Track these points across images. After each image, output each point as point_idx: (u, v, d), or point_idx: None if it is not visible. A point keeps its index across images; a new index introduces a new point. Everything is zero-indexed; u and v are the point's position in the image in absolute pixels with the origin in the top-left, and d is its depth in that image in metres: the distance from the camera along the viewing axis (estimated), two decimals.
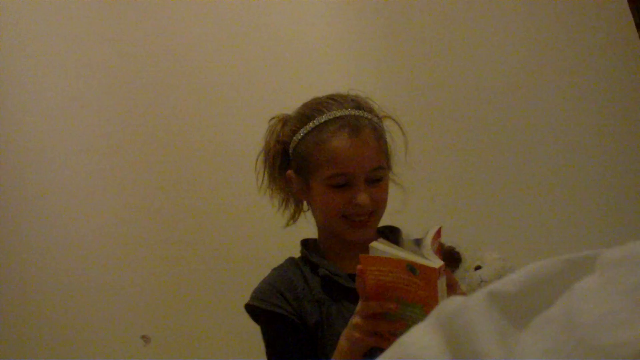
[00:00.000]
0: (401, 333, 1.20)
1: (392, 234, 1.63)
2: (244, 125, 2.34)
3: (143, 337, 2.35)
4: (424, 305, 1.20)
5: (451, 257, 1.36)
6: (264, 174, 1.64)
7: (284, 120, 1.63)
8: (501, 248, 2.10)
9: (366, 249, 1.55)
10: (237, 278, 2.27)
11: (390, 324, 1.25)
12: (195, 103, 2.43)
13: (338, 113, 1.52)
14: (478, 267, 1.91)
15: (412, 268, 1.18)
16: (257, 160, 1.66)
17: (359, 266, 1.25)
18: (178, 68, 2.44)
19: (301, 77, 2.41)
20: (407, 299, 1.21)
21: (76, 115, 2.40)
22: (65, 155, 2.38)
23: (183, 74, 2.44)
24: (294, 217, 1.66)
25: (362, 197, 1.48)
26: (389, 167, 1.59)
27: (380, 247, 1.25)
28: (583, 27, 2.50)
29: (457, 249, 1.45)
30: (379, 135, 1.55)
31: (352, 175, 1.48)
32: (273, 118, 1.66)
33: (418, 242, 1.36)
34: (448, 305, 0.61)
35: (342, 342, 1.33)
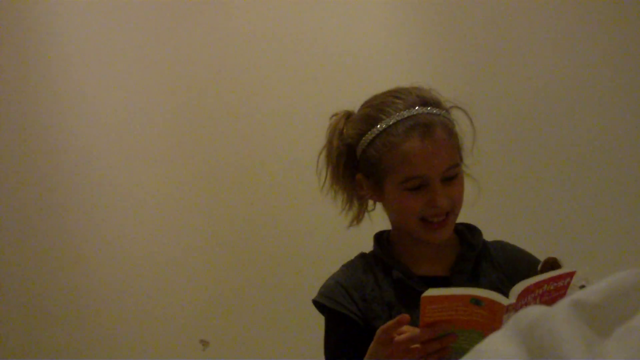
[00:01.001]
0: (451, 349, 1.22)
1: (470, 234, 1.58)
2: (303, 124, 2.37)
3: (202, 341, 2.39)
4: (484, 332, 1.18)
5: (551, 268, 1.32)
6: (326, 173, 1.59)
7: (346, 117, 1.59)
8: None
9: (441, 250, 1.54)
10: (298, 281, 2.30)
11: (439, 342, 1.24)
12: (254, 104, 2.46)
13: (406, 113, 1.47)
14: (582, 286, 1.87)
15: (476, 301, 1.17)
16: (319, 158, 1.61)
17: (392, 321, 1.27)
18: (236, 70, 2.47)
19: (358, 77, 2.42)
20: (466, 326, 1.21)
21: (134, 120, 2.45)
22: (127, 155, 2.43)
23: (241, 75, 2.47)
24: (357, 218, 1.60)
25: (441, 199, 1.44)
26: (462, 161, 1.53)
27: (436, 292, 1.24)
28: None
29: (559, 262, 1.41)
30: (450, 131, 1.50)
31: (427, 177, 1.44)
32: (334, 115, 1.61)
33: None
34: (528, 313, 0.62)
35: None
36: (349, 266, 1.58)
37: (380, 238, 1.60)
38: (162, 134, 2.46)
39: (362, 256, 1.59)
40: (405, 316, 1.27)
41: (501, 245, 1.61)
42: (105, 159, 2.44)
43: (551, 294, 1.25)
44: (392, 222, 1.58)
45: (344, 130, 1.57)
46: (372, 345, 1.33)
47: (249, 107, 2.47)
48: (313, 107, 2.38)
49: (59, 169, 2.44)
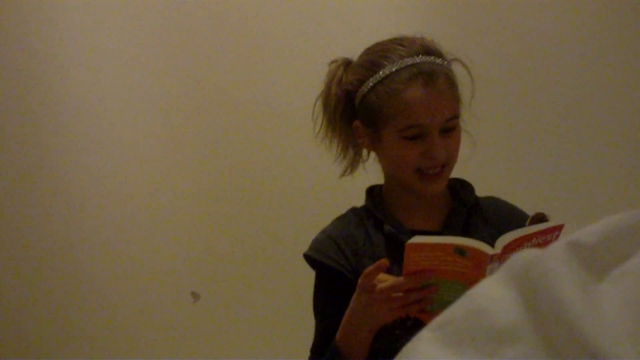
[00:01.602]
0: (433, 300, 1.21)
1: (462, 189, 1.58)
2: (296, 81, 2.35)
3: (192, 293, 2.39)
4: (467, 283, 1.18)
5: (539, 222, 1.31)
6: (322, 121, 1.57)
7: (346, 64, 1.56)
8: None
9: (433, 204, 1.53)
10: (288, 234, 2.29)
11: (419, 293, 1.24)
12: (249, 76, 2.44)
13: (409, 61, 1.45)
14: None
15: (460, 250, 1.17)
16: (315, 104, 1.58)
17: (370, 268, 1.27)
18: (231, 29, 2.44)
19: (354, 29, 2.39)
20: (448, 277, 1.20)
21: (136, 100, 2.44)
22: (115, 113, 2.42)
23: (235, 37, 2.44)
24: (351, 167, 1.59)
25: (438, 150, 1.43)
26: (460, 113, 1.52)
27: (421, 239, 1.23)
28: None
29: (547, 217, 1.39)
30: (452, 82, 1.49)
31: (427, 126, 1.43)
32: (333, 62, 1.58)
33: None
34: (521, 257, 0.61)
35: (359, 315, 1.34)
36: (341, 220, 1.57)
37: (372, 192, 1.59)
38: (153, 94, 2.45)
39: (353, 210, 1.58)
40: (384, 261, 1.27)
41: (493, 201, 1.61)
42: (94, 116, 2.43)
43: (540, 247, 1.25)
44: (386, 174, 1.57)
45: (343, 76, 1.55)
46: (355, 293, 1.33)
47: (243, 54, 2.44)
48: (309, 57, 2.36)
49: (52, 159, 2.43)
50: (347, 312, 1.36)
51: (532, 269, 0.56)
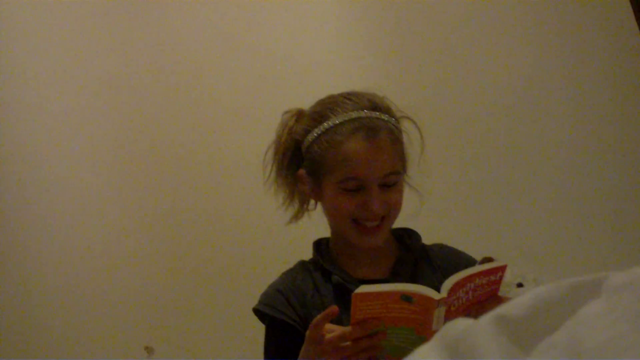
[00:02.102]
0: (383, 347, 1.20)
1: (409, 237, 1.59)
2: (247, 129, 2.35)
3: (146, 347, 2.35)
4: (416, 327, 1.18)
5: None
6: (271, 168, 1.59)
7: (298, 115, 1.58)
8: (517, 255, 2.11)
9: (379, 253, 1.53)
10: (242, 287, 2.27)
11: (369, 340, 1.22)
12: (198, 108, 2.44)
13: (354, 114, 1.47)
14: (520, 285, 1.85)
15: (407, 297, 1.16)
16: (266, 152, 1.60)
17: (320, 316, 1.25)
18: (180, 72, 2.45)
19: (307, 78, 2.41)
20: (396, 324, 1.20)
21: (79, 124, 2.41)
22: (68, 164, 2.39)
23: (185, 78, 2.45)
24: (297, 216, 1.60)
25: (375, 203, 1.43)
26: (404, 171, 1.54)
27: (368, 288, 1.22)
28: (586, 29, 2.50)
29: (494, 259, 1.40)
30: (396, 138, 1.50)
31: (365, 179, 1.44)
32: (287, 112, 1.60)
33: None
34: (454, 327, 0.61)
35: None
36: (288, 273, 1.58)
37: (319, 244, 1.60)
38: (103, 138, 2.43)
39: (301, 263, 1.59)
40: (333, 308, 1.25)
41: (440, 247, 1.62)
42: (45, 164, 2.40)
43: (483, 288, 1.25)
44: (330, 225, 1.58)
45: (294, 126, 1.56)
46: (304, 344, 1.32)
47: (196, 105, 2.44)
48: (256, 111, 2.37)
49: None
50: None
51: (461, 342, 0.56)
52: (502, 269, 1.27)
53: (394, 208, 1.49)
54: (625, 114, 2.45)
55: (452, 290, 1.20)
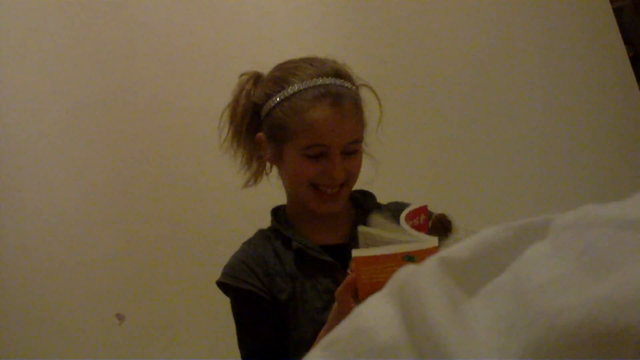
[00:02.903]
0: None
1: (364, 199, 1.60)
2: (209, 96, 2.32)
3: (117, 315, 2.34)
4: None
5: (440, 225, 1.31)
6: (228, 131, 1.58)
7: (256, 78, 1.57)
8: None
9: (337, 218, 1.53)
10: (211, 253, 2.26)
11: None
12: (159, 76, 2.41)
13: (318, 81, 1.47)
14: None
15: (410, 257, 1.16)
16: (221, 115, 1.60)
17: (349, 271, 1.21)
18: (144, 50, 2.42)
19: (267, 44, 2.38)
20: None
21: (44, 99, 2.38)
22: (35, 137, 2.36)
23: (147, 43, 2.41)
24: (255, 178, 1.60)
25: (337, 170, 1.44)
26: (362, 138, 1.54)
27: (368, 230, 1.21)
28: (563, 17, 2.49)
29: (449, 218, 1.40)
30: (358, 107, 1.51)
31: (329, 146, 1.44)
32: (243, 74, 1.60)
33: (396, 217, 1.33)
34: (401, 272, 0.60)
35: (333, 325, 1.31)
36: (249, 243, 1.58)
37: (277, 212, 1.61)
38: (65, 106, 2.39)
39: (260, 232, 1.60)
40: (352, 274, 1.23)
41: (395, 204, 1.63)
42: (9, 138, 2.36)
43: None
44: (287, 190, 1.58)
45: (252, 90, 1.55)
46: (334, 309, 1.29)
47: (156, 59, 2.41)
48: (220, 62, 2.34)
49: None
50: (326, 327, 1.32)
51: (406, 287, 0.55)
52: (423, 210, 1.29)
53: (353, 175, 1.50)
54: (600, 75, 2.46)
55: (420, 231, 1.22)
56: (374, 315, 0.60)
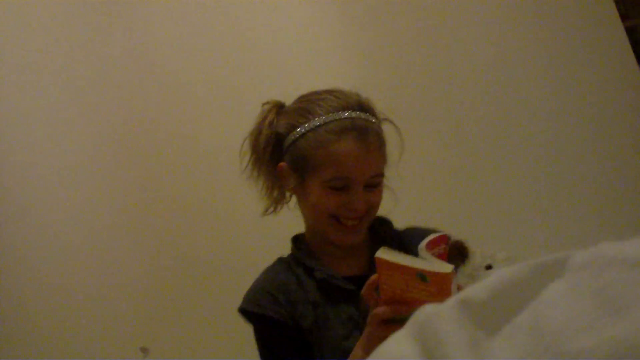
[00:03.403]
0: None
1: (381, 227, 1.60)
2: (228, 126, 2.34)
3: (142, 349, 2.35)
4: None
5: (458, 252, 1.31)
6: (250, 159, 1.59)
7: (279, 107, 1.58)
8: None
9: (355, 248, 1.54)
10: (234, 283, 2.27)
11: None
12: (177, 107, 2.43)
13: (344, 114, 1.47)
14: (489, 267, 1.86)
15: (422, 276, 1.17)
16: (243, 143, 1.60)
17: (373, 276, 1.25)
18: (158, 73, 2.44)
19: (283, 74, 2.40)
20: (418, 305, 1.19)
21: (60, 129, 2.40)
22: (52, 167, 2.38)
23: (164, 78, 2.43)
24: (275, 207, 1.61)
25: (359, 203, 1.45)
26: (384, 172, 1.55)
27: (385, 255, 1.22)
28: (570, 21, 2.49)
29: (465, 244, 1.40)
30: (382, 141, 1.52)
31: (352, 180, 1.45)
32: (266, 103, 1.60)
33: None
34: (421, 313, 0.61)
35: (358, 351, 1.32)
36: (270, 271, 1.58)
37: (297, 241, 1.60)
38: (86, 140, 2.42)
39: (280, 260, 1.60)
40: (374, 276, 1.26)
41: (413, 230, 1.63)
42: (28, 168, 2.39)
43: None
44: (306, 220, 1.58)
45: (275, 119, 1.56)
46: (366, 328, 1.31)
47: (174, 102, 2.43)
48: (236, 108, 2.36)
49: None
50: (359, 348, 1.33)
51: (426, 328, 0.56)
52: (444, 239, 1.29)
53: (374, 208, 1.51)
54: (610, 104, 2.45)
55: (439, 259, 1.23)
56: (395, 354, 0.60)
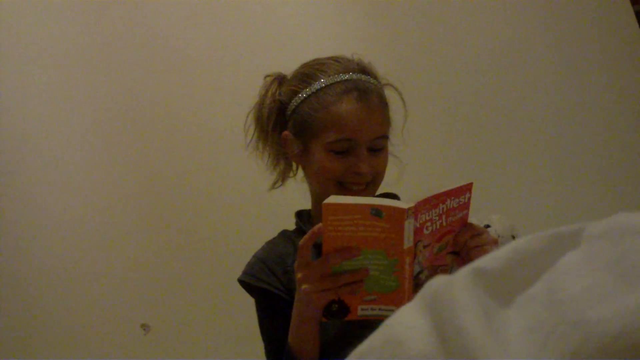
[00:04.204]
0: (365, 282, 1.17)
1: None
2: (229, 108, 2.32)
3: (142, 325, 2.35)
4: (387, 249, 1.15)
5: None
6: (254, 132, 1.57)
7: (280, 78, 1.57)
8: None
9: None
10: (234, 262, 2.27)
11: (350, 276, 1.18)
12: (180, 91, 2.42)
13: (345, 76, 1.46)
14: (487, 226, 1.87)
15: (377, 211, 1.13)
16: (247, 116, 1.58)
17: (316, 226, 1.19)
18: (162, 58, 2.42)
19: (287, 44, 2.38)
20: (368, 246, 1.16)
21: (64, 109, 2.39)
22: (55, 149, 2.37)
23: (167, 64, 2.42)
24: (282, 179, 1.59)
25: (364, 166, 1.42)
26: (388, 136, 1.52)
27: (335, 200, 1.16)
28: (582, 18, 2.48)
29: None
30: (384, 103, 1.50)
31: (355, 141, 1.42)
32: (268, 75, 1.59)
33: None
34: (434, 283, 0.60)
35: (297, 306, 1.29)
36: (270, 242, 1.58)
37: (301, 214, 1.60)
38: (89, 123, 2.41)
39: (283, 232, 1.60)
40: (319, 225, 1.18)
41: None
42: (31, 150, 2.38)
43: (455, 212, 1.25)
44: (312, 191, 1.56)
45: (277, 90, 1.55)
46: (297, 288, 1.27)
47: (177, 70, 2.42)
48: (241, 68, 2.35)
49: None
50: (293, 311, 1.32)
51: (439, 297, 0.55)
52: (469, 188, 1.26)
53: (379, 173, 1.48)
54: (621, 79, 2.44)
55: (421, 203, 1.18)
56: (407, 325, 0.60)
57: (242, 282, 1.52)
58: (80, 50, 2.41)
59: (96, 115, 2.40)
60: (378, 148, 1.46)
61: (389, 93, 1.56)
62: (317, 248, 1.22)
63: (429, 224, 1.20)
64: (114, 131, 2.40)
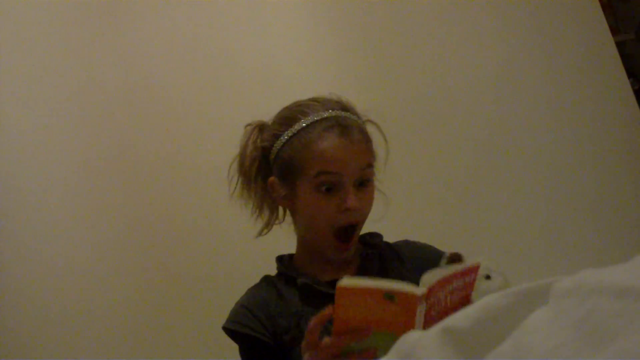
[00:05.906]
0: None
1: (372, 238, 1.57)
2: (217, 145, 2.33)
3: None
4: (397, 331, 1.14)
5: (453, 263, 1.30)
6: (237, 181, 1.56)
7: (261, 126, 1.56)
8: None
9: (344, 263, 1.52)
10: (220, 305, 2.26)
11: (358, 355, 1.19)
12: (167, 128, 2.41)
13: (325, 114, 1.46)
14: (488, 277, 1.86)
15: (390, 296, 1.13)
16: (230, 166, 1.58)
17: (327, 309, 1.18)
18: (151, 101, 2.42)
19: (274, 90, 2.39)
20: (379, 328, 1.17)
21: (51, 151, 2.38)
22: (38, 186, 2.36)
23: (156, 108, 2.42)
24: (267, 227, 1.57)
25: (352, 200, 1.41)
26: (373, 167, 1.50)
27: (349, 282, 1.15)
28: (559, 31, 2.50)
29: (463, 257, 1.38)
30: (367, 136, 1.48)
31: (341, 175, 1.41)
32: (248, 125, 1.58)
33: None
34: (406, 339, 0.61)
35: None
36: (253, 288, 1.57)
37: (282, 259, 1.59)
38: (72, 160, 2.40)
39: (265, 278, 1.58)
40: (328, 308, 1.18)
41: (405, 242, 1.61)
42: (14, 188, 2.37)
43: (459, 292, 1.24)
44: (299, 234, 1.55)
45: (258, 138, 1.56)
46: (303, 354, 1.26)
47: (163, 115, 2.42)
48: (226, 115, 2.35)
49: None
50: None
51: (411, 356, 0.56)
52: (475, 269, 1.26)
53: (366, 209, 1.47)
54: (602, 118, 2.46)
55: (432, 289, 1.17)
56: None
57: (227, 330, 1.52)
58: (67, 93, 2.40)
59: (84, 158, 2.39)
60: (365, 179, 1.45)
61: (370, 129, 1.56)
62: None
63: (436, 305, 1.21)
64: (101, 174, 2.39)
